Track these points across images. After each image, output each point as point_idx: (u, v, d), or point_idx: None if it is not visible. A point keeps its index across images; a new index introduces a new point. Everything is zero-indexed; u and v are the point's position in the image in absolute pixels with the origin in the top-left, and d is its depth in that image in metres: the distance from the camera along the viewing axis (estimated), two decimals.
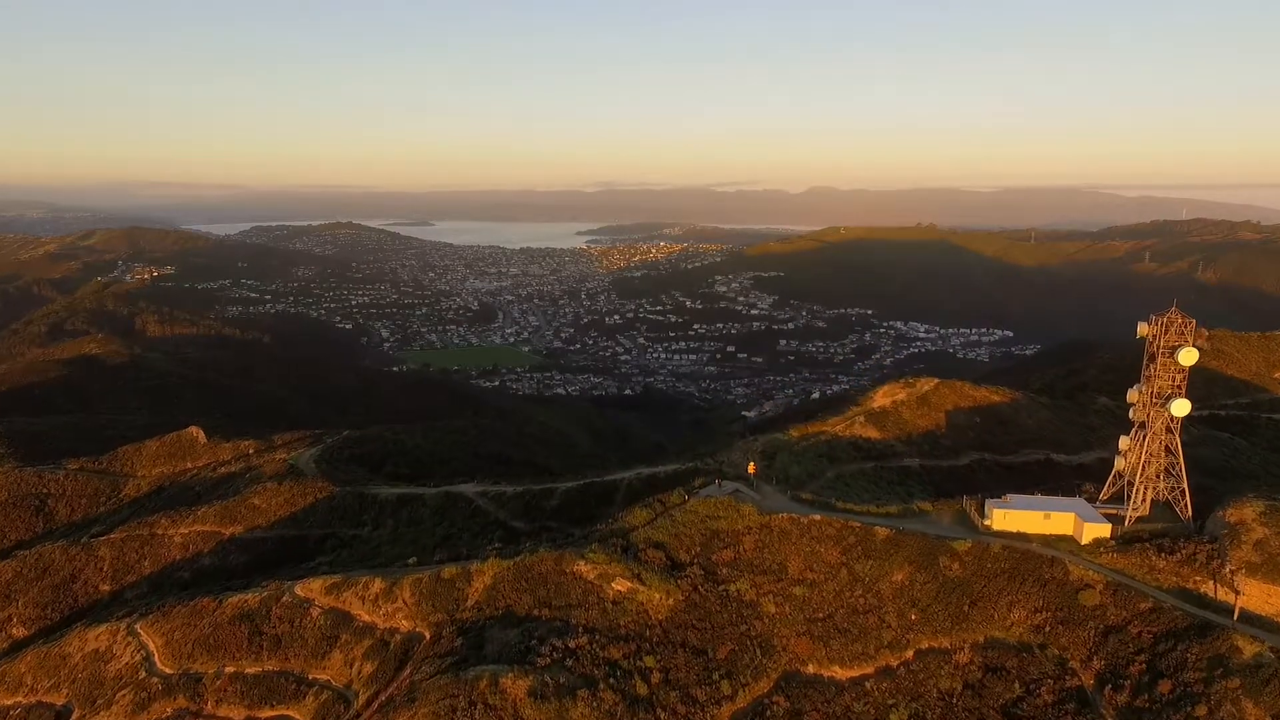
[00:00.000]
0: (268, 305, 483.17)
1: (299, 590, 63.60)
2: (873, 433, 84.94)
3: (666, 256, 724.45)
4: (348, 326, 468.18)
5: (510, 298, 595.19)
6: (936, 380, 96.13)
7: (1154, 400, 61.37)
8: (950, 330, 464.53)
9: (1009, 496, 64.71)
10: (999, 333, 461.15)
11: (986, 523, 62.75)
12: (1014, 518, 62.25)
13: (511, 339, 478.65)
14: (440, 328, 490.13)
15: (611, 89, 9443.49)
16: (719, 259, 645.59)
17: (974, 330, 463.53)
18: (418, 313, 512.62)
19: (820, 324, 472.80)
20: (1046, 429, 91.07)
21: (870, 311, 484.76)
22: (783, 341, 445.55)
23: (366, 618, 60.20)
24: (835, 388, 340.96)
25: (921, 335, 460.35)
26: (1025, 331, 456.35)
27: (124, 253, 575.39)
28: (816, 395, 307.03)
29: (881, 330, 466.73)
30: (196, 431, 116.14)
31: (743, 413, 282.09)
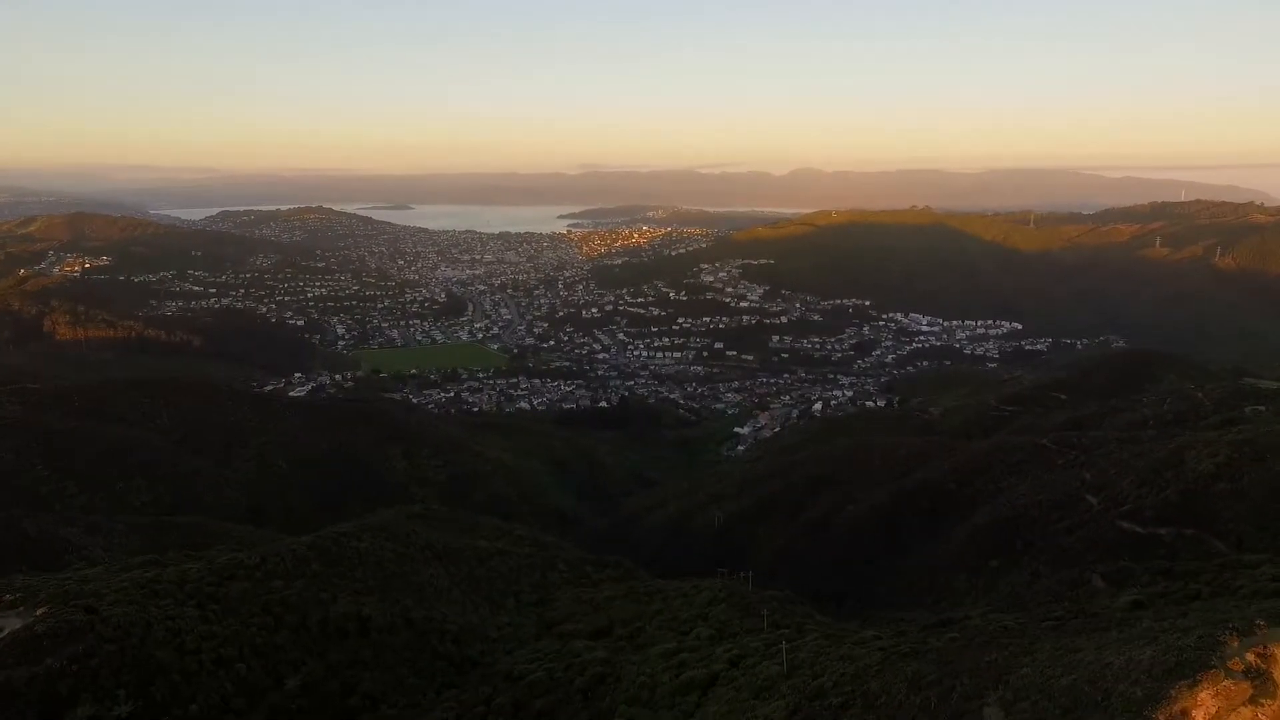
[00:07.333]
0: (212, 300, 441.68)
1: None
2: None
3: (649, 242, 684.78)
4: (300, 323, 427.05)
5: (483, 288, 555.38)
6: None
7: None
8: (954, 323, 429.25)
9: None
10: (1007, 325, 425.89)
11: None
12: None
13: (480, 335, 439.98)
14: (403, 322, 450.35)
15: (596, 70, 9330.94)
16: (705, 244, 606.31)
17: (980, 323, 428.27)
18: (379, 305, 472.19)
19: (815, 317, 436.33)
20: None
21: (868, 302, 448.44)
22: (775, 337, 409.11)
23: None
24: (837, 391, 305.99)
25: (924, 329, 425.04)
26: (1034, 323, 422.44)
27: (61, 241, 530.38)
28: (819, 404, 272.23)
29: (881, 323, 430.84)
30: None
31: (735, 429, 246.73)
